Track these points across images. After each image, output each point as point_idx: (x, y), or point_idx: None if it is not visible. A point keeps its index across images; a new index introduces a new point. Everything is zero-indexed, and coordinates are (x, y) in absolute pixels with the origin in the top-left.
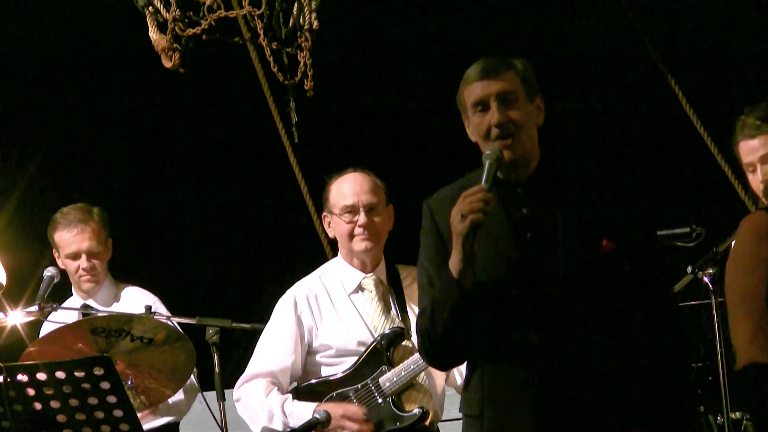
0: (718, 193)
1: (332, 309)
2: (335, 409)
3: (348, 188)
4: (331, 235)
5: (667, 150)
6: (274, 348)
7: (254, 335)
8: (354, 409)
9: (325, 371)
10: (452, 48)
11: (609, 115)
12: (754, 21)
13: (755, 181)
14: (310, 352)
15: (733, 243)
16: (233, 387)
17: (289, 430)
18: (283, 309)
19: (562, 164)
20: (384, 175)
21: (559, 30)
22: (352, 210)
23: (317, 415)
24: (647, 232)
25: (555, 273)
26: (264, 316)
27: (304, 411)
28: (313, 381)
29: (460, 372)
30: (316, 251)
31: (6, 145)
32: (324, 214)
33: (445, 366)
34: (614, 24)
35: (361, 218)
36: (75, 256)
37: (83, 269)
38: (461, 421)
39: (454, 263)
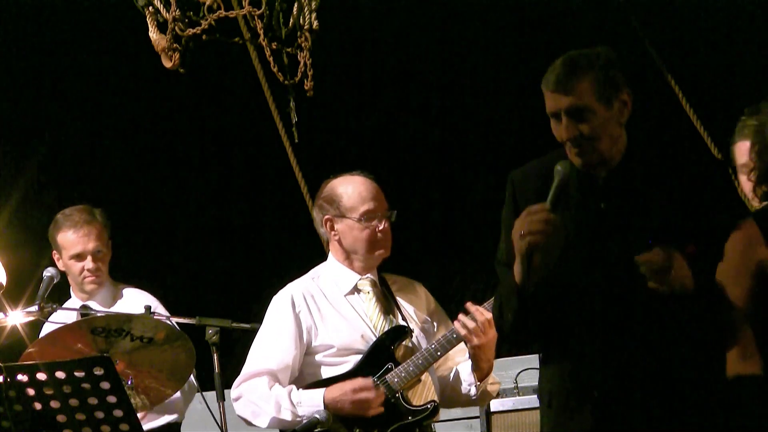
0: None
1: (331, 308)
2: (345, 386)
3: (366, 192)
4: (334, 238)
5: (667, 150)
6: (274, 346)
7: (254, 335)
8: (362, 381)
9: (326, 372)
10: (452, 48)
11: None
12: (755, 21)
13: (748, 183)
14: (308, 352)
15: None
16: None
17: (297, 419)
18: (280, 307)
19: (648, 161)
20: (384, 175)
21: (559, 31)
22: (373, 216)
23: (317, 415)
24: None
25: (626, 269)
26: (264, 316)
27: (312, 397)
28: (316, 381)
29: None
30: (316, 251)
31: (6, 145)
32: (328, 217)
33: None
34: (614, 25)
35: (383, 225)
36: (80, 257)
37: (88, 270)
38: (460, 421)
39: (517, 271)
